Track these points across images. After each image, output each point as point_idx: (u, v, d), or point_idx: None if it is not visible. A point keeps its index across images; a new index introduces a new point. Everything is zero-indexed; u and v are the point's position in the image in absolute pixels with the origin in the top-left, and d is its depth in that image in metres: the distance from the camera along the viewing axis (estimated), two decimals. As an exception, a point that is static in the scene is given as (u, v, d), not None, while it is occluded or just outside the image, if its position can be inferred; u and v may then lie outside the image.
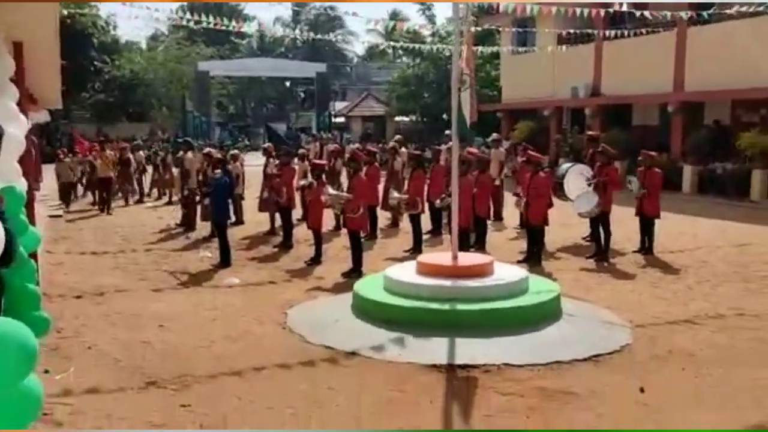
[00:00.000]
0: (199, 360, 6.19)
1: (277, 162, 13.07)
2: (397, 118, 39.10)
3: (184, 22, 16.05)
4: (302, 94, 57.98)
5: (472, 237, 10.76)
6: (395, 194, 11.82)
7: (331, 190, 9.96)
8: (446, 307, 6.95)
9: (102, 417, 4.95)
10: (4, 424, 2.21)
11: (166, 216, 15.65)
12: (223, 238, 10.70)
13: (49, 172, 19.22)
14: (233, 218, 11.48)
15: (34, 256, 6.09)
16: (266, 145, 15.40)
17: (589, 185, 10.78)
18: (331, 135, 33.56)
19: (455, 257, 7.66)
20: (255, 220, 14.05)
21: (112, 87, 41.17)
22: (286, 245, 11.93)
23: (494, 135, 16.15)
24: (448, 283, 7.32)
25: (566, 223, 12.47)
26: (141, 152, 21.32)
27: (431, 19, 30.18)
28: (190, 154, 14.46)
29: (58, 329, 7.01)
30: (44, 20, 7.15)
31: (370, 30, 58.65)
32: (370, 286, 7.68)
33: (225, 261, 10.53)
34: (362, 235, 10.19)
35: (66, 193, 18.04)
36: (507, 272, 7.74)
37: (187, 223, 13.78)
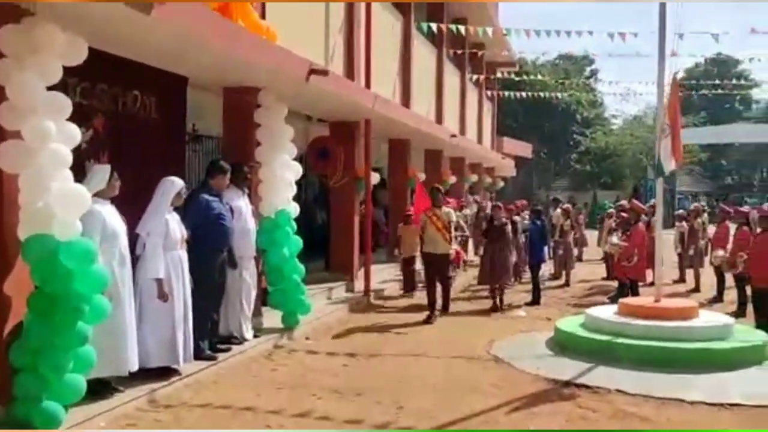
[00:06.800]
0: (401, 345, 8.14)
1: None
2: None
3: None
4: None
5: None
6: (720, 252, 11.28)
7: (614, 239, 10.53)
8: (609, 339, 7.37)
9: (302, 362, 7.36)
10: (87, 287, 4.82)
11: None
12: (535, 278, 12.04)
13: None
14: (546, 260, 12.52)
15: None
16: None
17: None
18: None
19: (658, 300, 7.81)
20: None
21: (588, 158, 44.54)
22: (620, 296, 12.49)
23: None
24: (643, 322, 7.59)
25: None
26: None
27: None
28: (558, 211, 15.99)
29: (347, 326, 9.69)
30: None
31: None
32: (569, 323, 8.42)
33: (534, 299, 11.83)
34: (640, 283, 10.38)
35: (408, 273, 12.17)
36: (711, 318, 7.57)
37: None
